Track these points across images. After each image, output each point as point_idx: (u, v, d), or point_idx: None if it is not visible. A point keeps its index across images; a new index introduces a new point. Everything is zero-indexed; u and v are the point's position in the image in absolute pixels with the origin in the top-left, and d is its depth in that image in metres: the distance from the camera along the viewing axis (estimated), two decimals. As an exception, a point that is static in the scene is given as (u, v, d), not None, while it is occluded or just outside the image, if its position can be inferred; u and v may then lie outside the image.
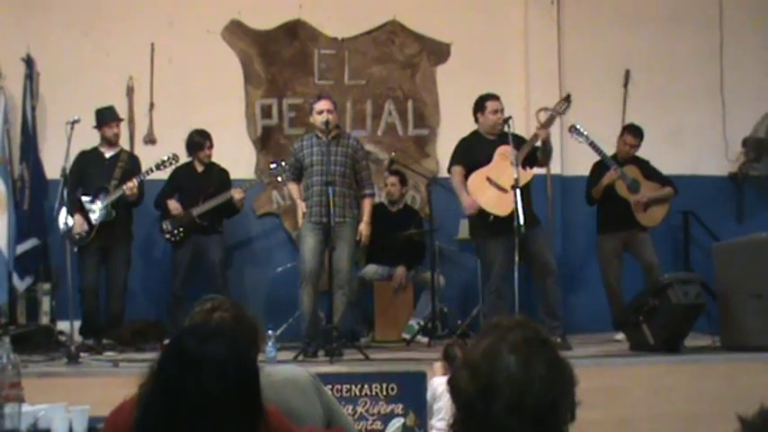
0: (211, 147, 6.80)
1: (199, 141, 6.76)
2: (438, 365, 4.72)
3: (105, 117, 6.54)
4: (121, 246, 6.52)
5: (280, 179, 6.89)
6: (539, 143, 6.00)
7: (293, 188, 6.36)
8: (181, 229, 6.63)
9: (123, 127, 6.87)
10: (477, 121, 6.20)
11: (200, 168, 6.82)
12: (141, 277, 7.33)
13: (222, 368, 1.79)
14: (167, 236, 6.69)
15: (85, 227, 6.32)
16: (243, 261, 7.59)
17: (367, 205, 6.25)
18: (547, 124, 6.13)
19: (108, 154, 6.58)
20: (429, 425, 4.72)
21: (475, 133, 6.21)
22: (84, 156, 6.51)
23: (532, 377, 1.48)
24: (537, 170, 6.19)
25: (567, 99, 6.25)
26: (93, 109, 6.55)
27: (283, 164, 6.64)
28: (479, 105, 6.17)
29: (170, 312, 6.60)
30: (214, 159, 6.90)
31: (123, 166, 6.51)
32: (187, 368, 1.78)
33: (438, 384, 4.66)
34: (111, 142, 6.57)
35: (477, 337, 1.61)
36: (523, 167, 5.86)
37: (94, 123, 6.49)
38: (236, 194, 6.66)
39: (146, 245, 7.40)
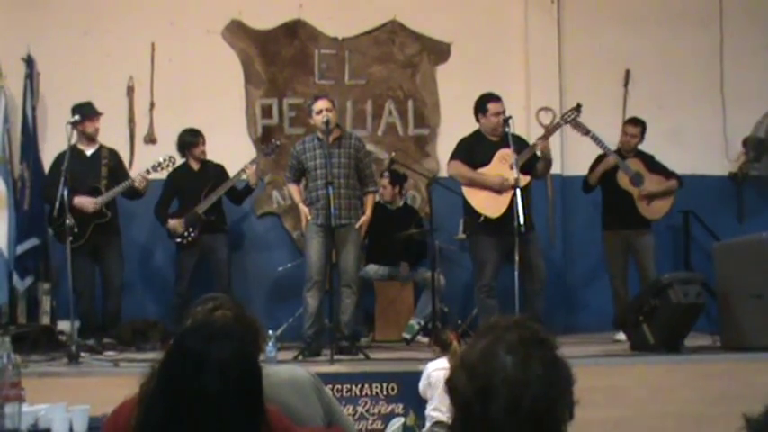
0: (205, 143, 6.77)
1: (191, 140, 6.73)
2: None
3: (89, 112, 6.34)
4: (112, 243, 6.45)
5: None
6: (538, 152, 6.01)
7: (293, 190, 6.36)
8: (191, 230, 6.58)
9: (124, 127, 6.83)
10: (478, 120, 6.16)
11: (196, 167, 6.78)
12: (141, 277, 7.33)
13: (226, 368, 1.79)
14: (178, 239, 6.62)
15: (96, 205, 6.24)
16: (243, 261, 7.57)
17: (369, 199, 6.29)
18: (551, 132, 6.15)
19: (88, 151, 6.43)
20: (425, 414, 4.74)
21: (477, 133, 6.16)
22: (62, 156, 6.06)
23: (530, 377, 1.48)
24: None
25: (577, 109, 6.22)
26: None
27: (278, 143, 6.95)
28: (481, 107, 6.11)
29: (175, 314, 6.34)
30: (214, 158, 6.88)
31: (108, 164, 6.42)
32: (191, 367, 1.78)
33: (433, 370, 4.66)
34: (91, 138, 6.41)
35: (475, 337, 1.61)
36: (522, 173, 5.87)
37: (73, 119, 6.07)
38: (248, 169, 6.64)
39: (145, 244, 7.39)
